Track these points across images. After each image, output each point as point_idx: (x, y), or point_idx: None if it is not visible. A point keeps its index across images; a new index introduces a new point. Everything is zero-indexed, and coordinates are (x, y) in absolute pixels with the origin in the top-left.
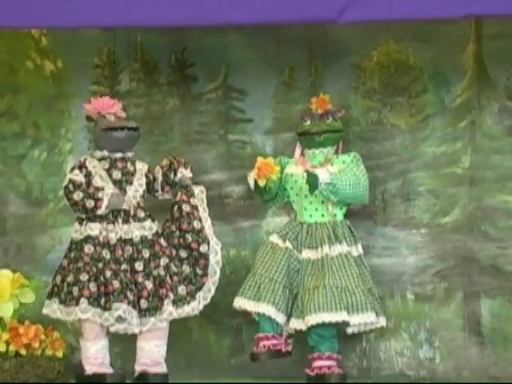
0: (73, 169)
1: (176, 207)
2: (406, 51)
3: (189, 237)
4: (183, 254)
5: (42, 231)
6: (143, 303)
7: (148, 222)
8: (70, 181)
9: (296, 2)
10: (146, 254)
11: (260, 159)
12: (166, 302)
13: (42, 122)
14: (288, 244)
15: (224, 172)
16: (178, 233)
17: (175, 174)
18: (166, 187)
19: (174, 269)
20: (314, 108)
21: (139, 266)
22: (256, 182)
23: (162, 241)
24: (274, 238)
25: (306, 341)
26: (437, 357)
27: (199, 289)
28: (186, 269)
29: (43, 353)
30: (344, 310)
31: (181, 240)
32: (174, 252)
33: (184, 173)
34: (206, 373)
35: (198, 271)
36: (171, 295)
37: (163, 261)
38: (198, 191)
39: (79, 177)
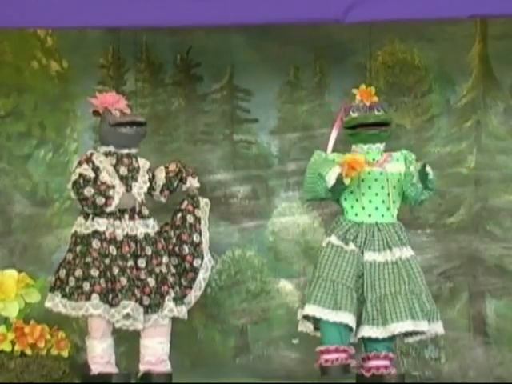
0: (80, 163)
1: (179, 215)
2: (412, 51)
3: (186, 248)
4: (173, 261)
5: (48, 231)
6: (145, 300)
7: (151, 220)
8: (81, 175)
9: (301, 2)
10: (149, 251)
11: (349, 155)
12: (167, 298)
13: (48, 122)
14: (352, 246)
15: (229, 172)
16: (174, 240)
17: (183, 183)
18: (166, 192)
19: (173, 269)
20: (359, 100)
21: (142, 262)
22: (339, 178)
23: (163, 240)
24: (334, 240)
25: (311, 340)
26: (442, 357)
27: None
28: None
29: (48, 352)
30: (424, 318)
31: (176, 248)
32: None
33: (192, 182)
34: (211, 373)
35: (184, 282)
36: (172, 292)
37: (165, 259)
38: (204, 203)
39: (89, 171)
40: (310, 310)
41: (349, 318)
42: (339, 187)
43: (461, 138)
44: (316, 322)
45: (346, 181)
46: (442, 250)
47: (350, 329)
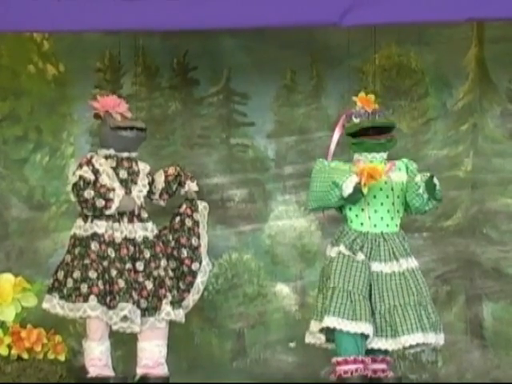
0: (81, 166)
1: (178, 218)
2: (408, 54)
3: (184, 252)
4: (172, 264)
5: (44, 235)
6: (143, 303)
7: (150, 224)
8: (81, 178)
9: (298, 5)
10: (147, 254)
11: (368, 165)
12: (164, 301)
13: (44, 125)
14: (362, 256)
15: (226, 175)
16: (173, 243)
17: (181, 186)
18: (165, 195)
19: (171, 272)
20: (360, 107)
21: (140, 265)
22: (357, 188)
23: (162, 243)
24: (344, 250)
25: (307, 344)
26: (439, 360)
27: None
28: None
29: (45, 356)
30: (432, 330)
31: (174, 251)
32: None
33: (191, 186)
34: (208, 376)
35: (182, 286)
36: (169, 296)
37: (163, 262)
38: (202, 207)
39: (89, 174)
40: (330, 321)
41: (368, 329)
42: (355, 196)
43: (457, 142)
44: (329, 333)
45: (365, 190)
46: (439, 253)
47: (366, 338)
